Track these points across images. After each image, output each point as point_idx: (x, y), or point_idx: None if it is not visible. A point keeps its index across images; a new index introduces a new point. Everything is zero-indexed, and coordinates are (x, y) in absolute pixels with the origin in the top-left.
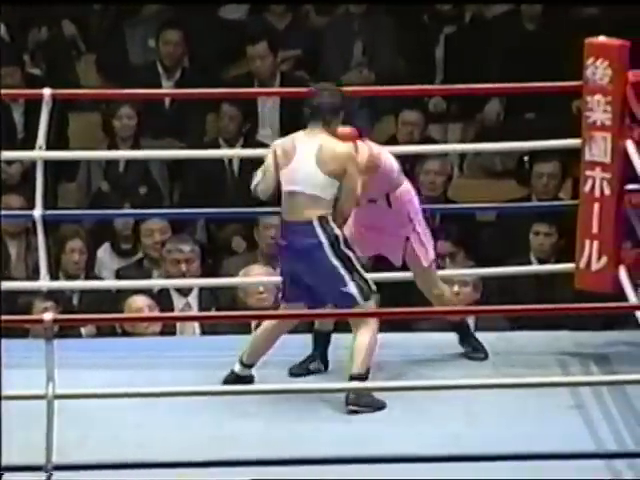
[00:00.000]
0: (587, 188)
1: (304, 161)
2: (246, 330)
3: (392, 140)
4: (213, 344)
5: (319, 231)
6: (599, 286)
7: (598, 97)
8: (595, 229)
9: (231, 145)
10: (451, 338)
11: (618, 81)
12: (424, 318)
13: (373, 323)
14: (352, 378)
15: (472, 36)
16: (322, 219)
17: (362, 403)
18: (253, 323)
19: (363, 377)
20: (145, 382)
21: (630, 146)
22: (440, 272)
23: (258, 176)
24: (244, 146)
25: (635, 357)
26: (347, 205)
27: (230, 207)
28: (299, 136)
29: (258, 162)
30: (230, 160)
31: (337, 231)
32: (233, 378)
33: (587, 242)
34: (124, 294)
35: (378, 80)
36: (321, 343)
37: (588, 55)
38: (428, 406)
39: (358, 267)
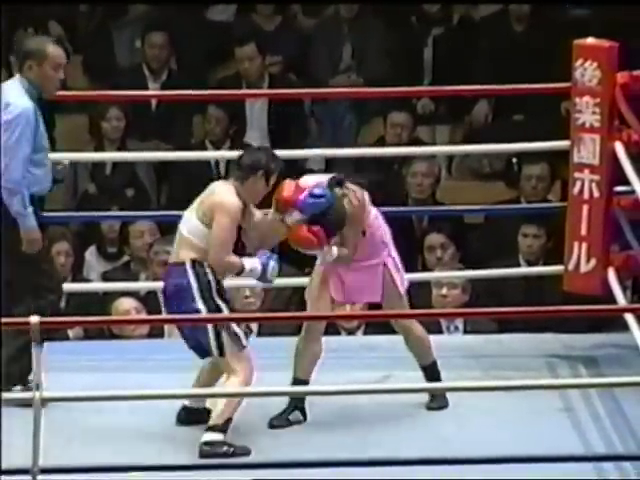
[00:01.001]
0: (576, 190)
1: (193, 205)
2: None
3: (380, 142)
4: None
5: (189, 272)
6: (588, 288)
7: (587, 99)
8: (584, 231)
9: (218, 147)
10: (436, 340)
11: (607, 83)
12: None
13: (242, 374)
14: (209, 429)
15: (460, 37)
16: (195, 262)
17: (217, 453)
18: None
19: (220, 429)
20: (133, 385)
21: (619, 148)
22: (428, 275)
23: None
24: (231, 148)
25: (623, 359)
26: (212, 251)
27: None
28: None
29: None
30: (217, 162)
31: (211, 277)
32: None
33: (576, 244)
34: (111, 297)
35: (366, 82)
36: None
37: (577, 56)
38: (416, 409)
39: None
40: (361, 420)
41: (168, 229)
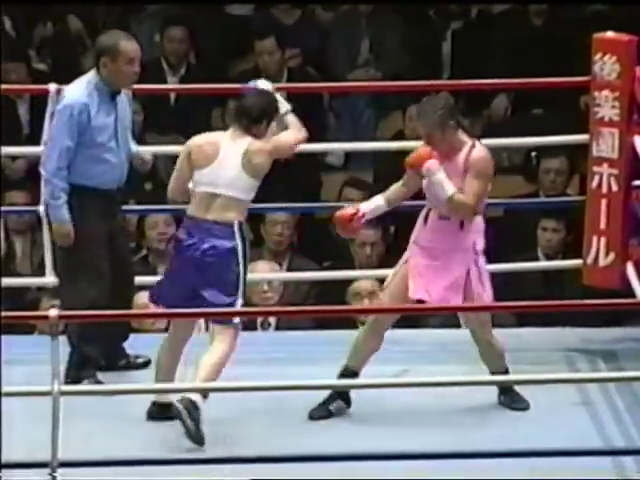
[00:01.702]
0: (594, 184)
1: (228, 164)
2: (252, 326)
3: (399, 135)
4: None
5: (237, 235)
6: (607, 282)
7: (606, 93)
8: (603, 225)
9: None
10: (456, 334)
11: (626, 76)
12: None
13: (231, 342)
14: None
15: (478, 32)
16: (241, 224)
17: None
18: None
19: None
20: (149, 378)
21: (638, 142)
22: None
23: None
24: None
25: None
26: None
27: None
28: (223, 137)
29: None
30: None
31: (246, 239)
32: None
33: (594, 238)
34: None
35: (385, 76)
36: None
37: (596, 50)
38: (436, 403)
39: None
40: (385, 413)
41: None
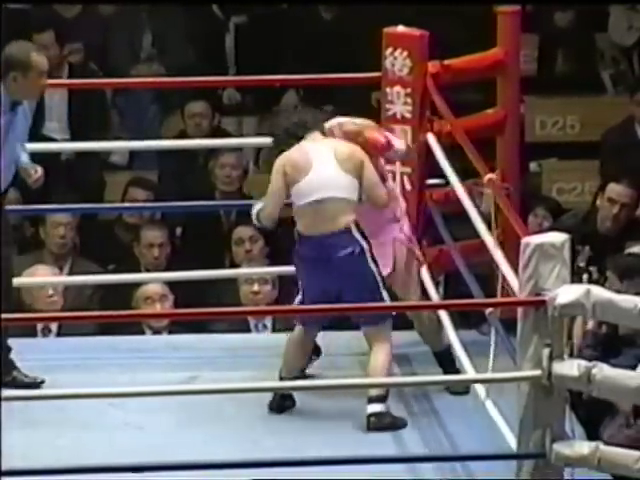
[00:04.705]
0: (388, 183)
1: (325, 167)
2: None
3: (183, 134)
4: None
5: (358, 237)
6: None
7: (397, 89)
8: None
9: None
10: (245, 339)
11: (418, 72)
12: None
13: (389, 342)
14: (371, 400)
15: (265, 26)
16: (357, 224)
17: (384, 424)
18: None
19: (382, 398)
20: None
21: (431, 139)
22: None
23: (260, 203)
24: (30, 140)
25: None
26: (378, 192)
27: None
28: (307, 146)
29: (44, 157)
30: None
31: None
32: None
33: None
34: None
35: (169, 71)
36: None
37: (387, 45)
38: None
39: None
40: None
41: None
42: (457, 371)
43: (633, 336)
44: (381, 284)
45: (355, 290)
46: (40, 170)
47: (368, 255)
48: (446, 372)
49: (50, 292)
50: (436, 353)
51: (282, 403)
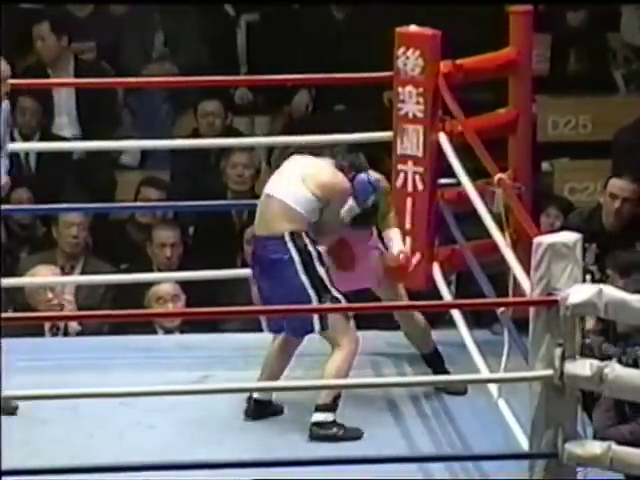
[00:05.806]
0: (399, 182)
1: (292, 173)
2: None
3: (196, 133)
4: None
5: (290, 246)
6: (412, 283)
7: (410, 88)
8: (408, 225)
9: (28, 139)
10: (256, 338)
11: (430, 72)
12: None
13: (347, 347)
14: (317, 409)
15: (277, 24)
16: (294, 234)
17: (327, 435)
18: None
19: (329, 407)
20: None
21: (443, 139)
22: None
23: None
24: (40, 140)
25: (448, 356)
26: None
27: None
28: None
29: (55, 155)
30: (27, 154)
31: (311, 247)
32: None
33: None
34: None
35: (181, 71)
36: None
37: (399, 45)
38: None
39: (330, 288)
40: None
41: None
42: (446, 371)
43: (630, 332)
44: (314, 298)
45: (278, 297)
46: (5, 179)
47: (299, 267)
48: (436, 373)
49: (50, 295)
50: (425, 355)
51: (259, 409)
